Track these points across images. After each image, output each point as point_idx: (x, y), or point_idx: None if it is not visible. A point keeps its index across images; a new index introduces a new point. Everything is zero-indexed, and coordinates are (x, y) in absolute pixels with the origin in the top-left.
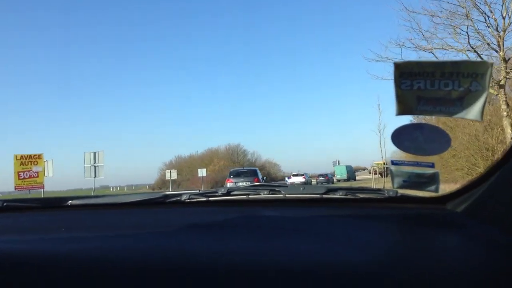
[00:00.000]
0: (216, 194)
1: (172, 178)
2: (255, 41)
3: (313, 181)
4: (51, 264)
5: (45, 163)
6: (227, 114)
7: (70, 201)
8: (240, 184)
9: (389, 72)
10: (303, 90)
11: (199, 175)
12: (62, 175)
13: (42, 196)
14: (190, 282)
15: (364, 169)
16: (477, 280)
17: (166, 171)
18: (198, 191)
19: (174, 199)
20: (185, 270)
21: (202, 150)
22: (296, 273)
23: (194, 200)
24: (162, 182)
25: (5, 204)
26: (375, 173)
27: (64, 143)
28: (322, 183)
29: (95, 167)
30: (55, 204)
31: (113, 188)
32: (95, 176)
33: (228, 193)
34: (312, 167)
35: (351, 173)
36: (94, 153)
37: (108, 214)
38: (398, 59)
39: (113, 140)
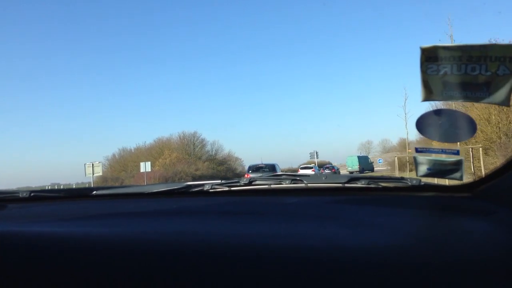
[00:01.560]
0: (238, 184)
1: (96, 174)
2: (212, 16)
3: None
4: (84, 245)
5: None
6: (181, 98)
7: (95, 191)
8: None
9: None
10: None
11: (142, 170)
12: None
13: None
14: (215, 264)
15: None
16: (507, 265)
17: (87, 166)
18: (220, 181)
19: (197, 189)
20: (209, 253)
21: (151, 140)
22: (323, 257)
23: (216, 189)
24: (103, 180)
25: (32, 194)
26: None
27: None
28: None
29: None
30: (81, 194)
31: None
32: None
33: (250, 182)
34: (284, 160)
35: (366, 164)
36: None
37: (132, 202)
38: None
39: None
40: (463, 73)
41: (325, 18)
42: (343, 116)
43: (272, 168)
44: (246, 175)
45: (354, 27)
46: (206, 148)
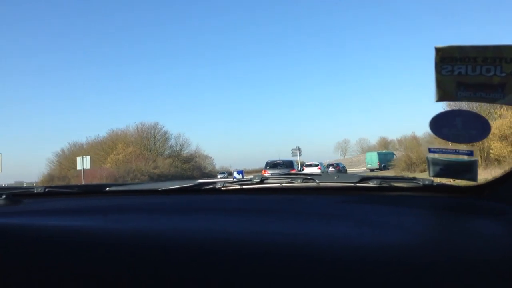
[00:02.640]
0: (250, 182)
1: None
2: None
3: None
4: (100, 239)
5: None
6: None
7: (108, 188)
8: None
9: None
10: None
11: (79, 167)
12: None
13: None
14: (227, 261)
15: None
16: None
17: None
18: (233, 179)
19: (209, 186)
20: (221, 250)
21: (104, 133)
22: (333, 255)
23: (228, 187)
24: (50, 178)
25: (47, 189)
26: None
27: None
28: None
29: None
30: (94, 190)
31: None
32: None
33: (262, 181)
34: (257, 159)
35: (386, 160)
36: None
37: (144, 199)
38: None
39: None
40: (478, 74)
41: (293, 17)
42: (320, 115)
43: (289, 164)
44: (263, 172)
45: (330, 25)
46: (170, 143)
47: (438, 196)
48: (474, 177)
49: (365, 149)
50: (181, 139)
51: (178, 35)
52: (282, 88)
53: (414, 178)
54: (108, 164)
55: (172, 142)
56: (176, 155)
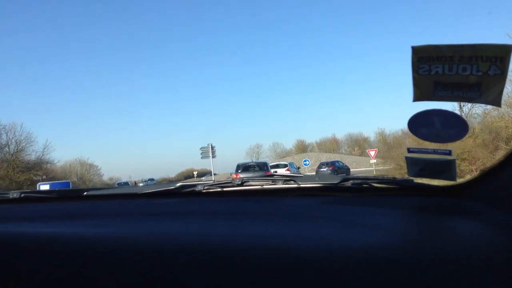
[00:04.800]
0: (231, 185)
1: None
2: None
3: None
4: (72, 245)
5: None
6: None
7: (85, 192)
8: None
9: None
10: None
11: None
12: None
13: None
14: (207, 265)
15: None
16: (496, 264)
17: None
18: (213, 181)
19: (189, 189)
20: (200, 253)
21: None
22: (315, 257)
23: (209, 190)
24: None
25: (22, 195)
26: None
27: None
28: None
29: None
30: (73, 195)
31: None
32: None
33: (243, 183)
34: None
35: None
36: None
37: (123, 203)
38: None
39: None
40: (455, 73)
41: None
42: (235, 119)
43: (263, 166)
44: (234, 175)
45: (239, 26)
46: (33, 147)
47: (417, 196)
48: (453, 177)
49: (280, 154)
50: (17, 131)
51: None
52: (188, 89)
53: (394, 179)
54: None
55: (36, 146)
56: (6, 160)
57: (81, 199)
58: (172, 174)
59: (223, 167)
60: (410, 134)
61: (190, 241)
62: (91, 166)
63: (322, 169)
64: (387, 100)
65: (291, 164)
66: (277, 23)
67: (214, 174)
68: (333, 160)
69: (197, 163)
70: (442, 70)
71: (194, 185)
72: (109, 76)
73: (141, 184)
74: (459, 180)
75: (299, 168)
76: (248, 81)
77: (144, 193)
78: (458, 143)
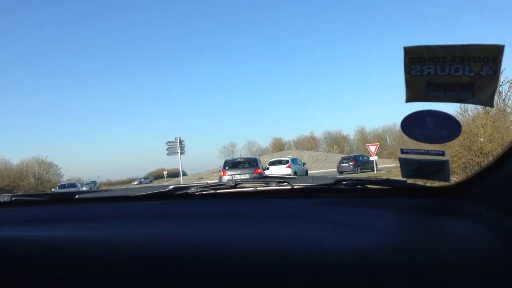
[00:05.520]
0: (224, 186)
1: None
2: None
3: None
4: (62, 249)
5: None
6: None
7: (77, 195)
8: (238, 177)
9: None
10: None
11: None
12: None
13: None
14: (200, 267)
15: None
16: (491, 265)
17: None
18: (206, 183)
19: (183, 191)
20: (193, 256)
21: None
22: (308, 259)
23: (202, 192)
24: None
25: (13, 198)
26: None
27: None
28: (342, 172)
29: None
30: (64, 198)
31: None
32: None
33: (236, 185)
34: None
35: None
36: None
37: (115, 206)
38: None
39: None
40: (447, 74)
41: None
42: (207, 117)
43: (253, 162)
44: (222, 173)
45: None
46: None
47: (411, 197)
48: (446, 177)
49: (254, 153)
50: None
51: None
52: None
53: (388, 180)
54: None
55: None
56: None
57: (73, 202)
58: (142, 174)
59: (194, 166)
60: (390, 132)
61: (183, 244)
62: (50, 165)
63: (343, 164)
64: (368, 98)
65: (294, 160)
66: (253, 22)
67: (184, 174)
68: (357, 154)
69: (167, 162)
70: (435, 71)
71: (187, 187)
72: (74, 71)
73: (135, 183)
74: (453, 181)
75: (304, 164)
76: (223, 79)
77: (137, 195)
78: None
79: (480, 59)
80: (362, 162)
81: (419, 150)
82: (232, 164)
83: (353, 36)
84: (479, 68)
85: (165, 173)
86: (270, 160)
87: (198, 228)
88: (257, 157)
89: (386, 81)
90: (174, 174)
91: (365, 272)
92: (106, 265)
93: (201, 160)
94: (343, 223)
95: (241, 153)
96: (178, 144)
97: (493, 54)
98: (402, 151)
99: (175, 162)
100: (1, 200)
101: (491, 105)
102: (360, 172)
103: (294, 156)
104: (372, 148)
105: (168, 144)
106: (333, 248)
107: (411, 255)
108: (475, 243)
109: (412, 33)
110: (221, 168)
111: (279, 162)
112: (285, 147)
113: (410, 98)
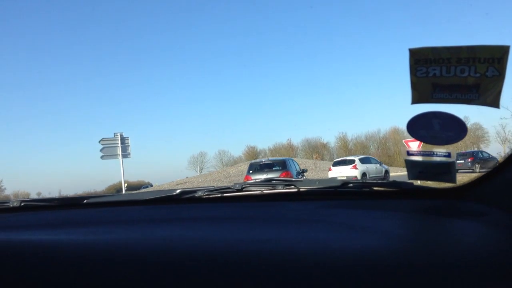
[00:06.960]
0: (231, 190)
1: None
2: None
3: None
4: (71, 253)
5: None
6: None
7: (85, 200)
8: None
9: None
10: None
11: None
12: None
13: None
14: (207, 271)
15: None
16: (498, 265)
17: None
18: (213, 187)
19: (189, 195)
20: (201, 259)
21: None
22: (315, 261)
23: (208, 196)
24: None
25: (23, 203)
26: None
27: None
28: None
29: None
30: (72, 203)
31: None
32: None
33: (242, 188)
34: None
35: None
36: None
37: (123, 210)
38: None
39: None
40: (453, 75)
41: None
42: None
43: (281, 165)
44: (245, 177)
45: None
46: None
47: (418, 199)
48: (453, 179)
49: (227, 163)
50: None
51: None
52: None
53: (394, 182)
54: None
55: None
56: None
57: (81, 206)
58: (100, 188)
59: (162, 177)
60: (374, 139)
61: (191, 246)
62: None
63: (459, 161)
64: (350, 104)
65: (364, 159)
66: (230, 30)
67: (147, 187)
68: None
69: (128, 174)
70: (440, 72)
71: (194, 191)
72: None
73: (141, 190)
74: (459, 182)
75: (381, 163)
76: (194, 85)
77: (144, 199)
78: None
79: (485, 60)
80: (481, 159)
81: (425, 151)
82: (258, 167)
83: (344, 41)
84: (484, 69)
85: (125, 185)
86: (335, 160)
87: (205, 231)
88: (288, 158)
89: (371, 88)
90: (137, 187)
91: (372, 273)
92: (114, 268)
93: (169, 170)
94: (349, 225)
95: (211, 163)
96: (119, 142)
97: (498, 55)
98: (408, 153)
99: (140, 173)
100: (11, 205)
101: (497, 106)
102: (479, 172)
103: (368, 155)
104: (414, 144)
105: (103, 142)
106: (339, 249)
107: (418, 257)
108: (484, 244)
109: (405, 37)
110: (246, 172)
111: (344, 162)
112: (260, 156)
113: (415, 99)
